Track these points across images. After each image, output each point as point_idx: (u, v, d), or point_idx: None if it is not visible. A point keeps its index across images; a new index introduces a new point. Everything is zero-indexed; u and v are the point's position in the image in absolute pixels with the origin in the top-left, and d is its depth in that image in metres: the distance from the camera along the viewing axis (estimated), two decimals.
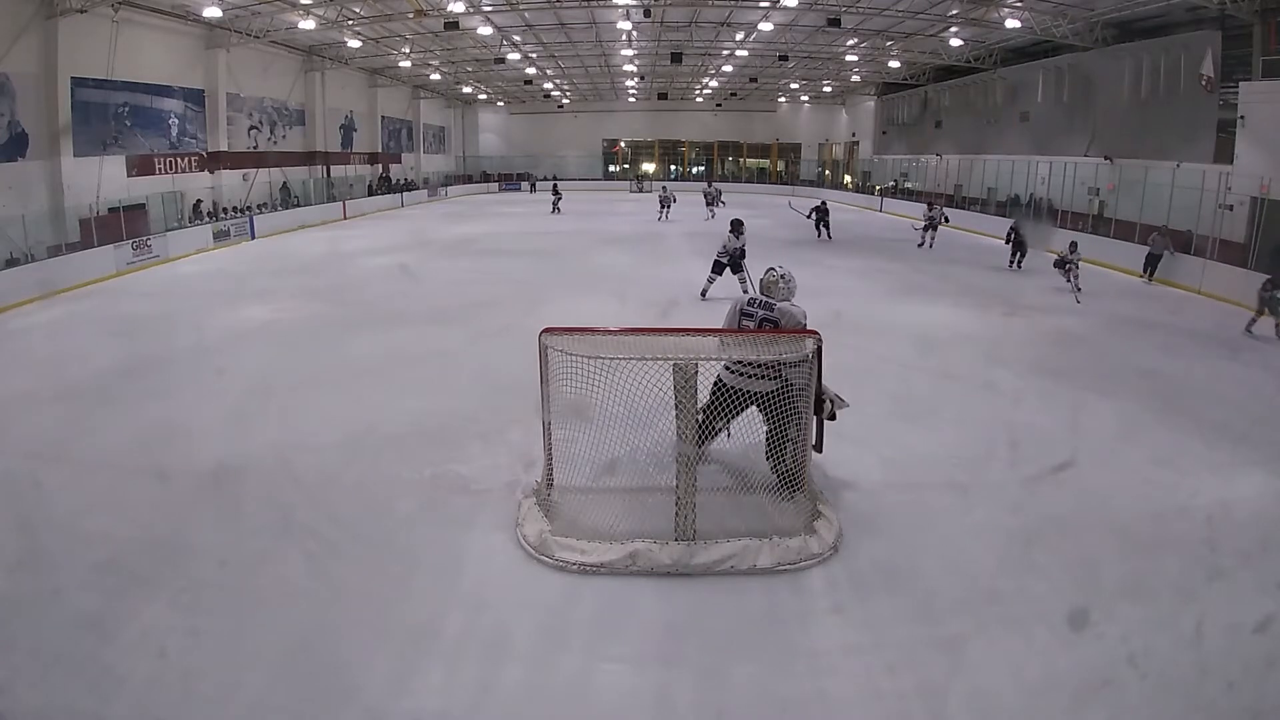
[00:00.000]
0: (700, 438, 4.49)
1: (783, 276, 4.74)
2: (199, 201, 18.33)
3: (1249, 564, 4.02)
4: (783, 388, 4.28)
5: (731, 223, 10.59)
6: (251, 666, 3.19)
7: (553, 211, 24.61)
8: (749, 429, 4.61)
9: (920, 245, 17.01)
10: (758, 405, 4.38)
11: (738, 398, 4.39)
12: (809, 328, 4.57)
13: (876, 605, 3.67)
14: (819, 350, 4.20)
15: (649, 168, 39.26)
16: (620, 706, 3.05)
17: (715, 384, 4.49)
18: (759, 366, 4.35)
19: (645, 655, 3.32)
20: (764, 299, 4.75)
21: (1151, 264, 13.06)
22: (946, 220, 17.61)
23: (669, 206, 22.90)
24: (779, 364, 4.30)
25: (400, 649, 3.31)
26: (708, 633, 3.47)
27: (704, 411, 4.43)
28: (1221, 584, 3.84)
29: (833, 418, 4.54)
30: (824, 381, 4.46)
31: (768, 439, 4.44)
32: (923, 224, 17.40)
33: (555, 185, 27.05)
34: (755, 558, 3.92)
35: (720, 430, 4.66)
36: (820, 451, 4.55)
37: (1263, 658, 3.29)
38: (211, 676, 3.14)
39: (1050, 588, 3.78)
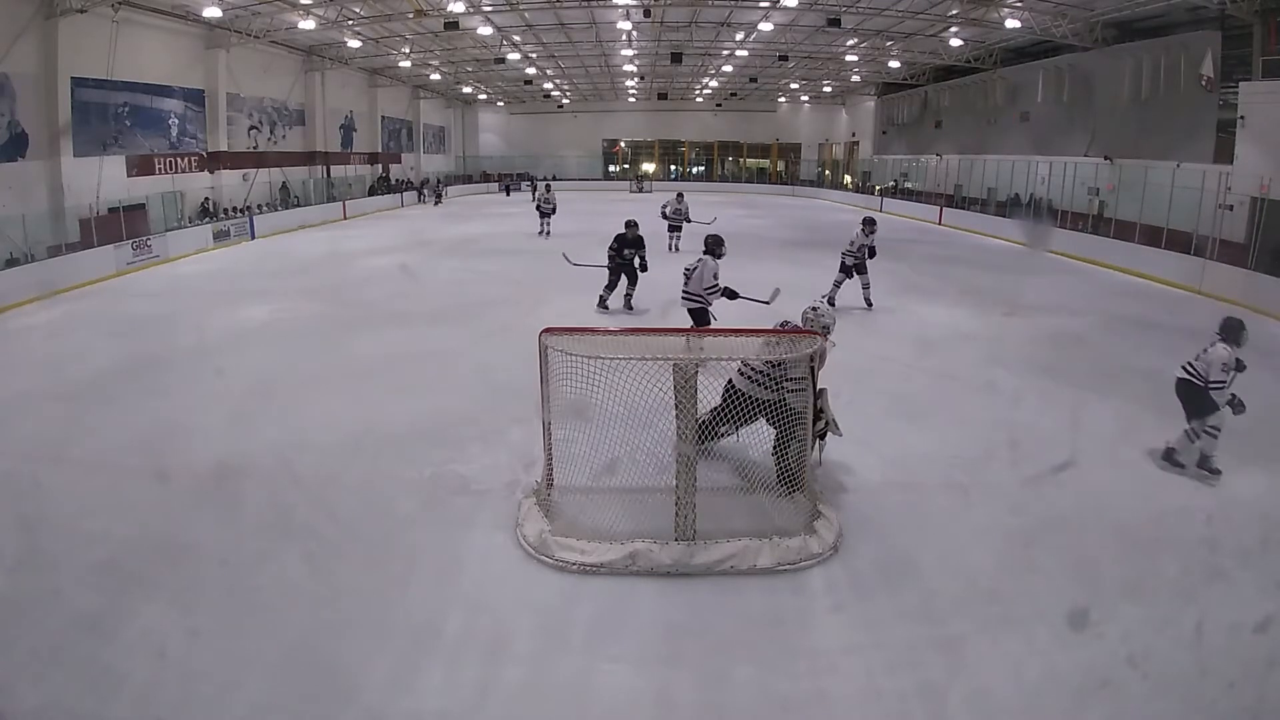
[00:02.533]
0: (705, 435, 4.54)
1: (814, 309, 4.94)
2: (206, 199, 18.38)
3: (1249, 564, 4.02)
4: (780, 402, 4.32)
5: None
6: (251, 666, 3.20)
7: (435, 204, 28.73)
8: (752, 427, 4.63)
9: (829, 302, 9.56)
10: (764, 414, 4.44)
11: (746, 404, 4.44)
12: (810, 329, 4.62)
13: (876, 605, 3.67)
14: (818, 355, 4.22)
15: (649, 168, 39.24)
16: (620, 706, 3.05)
17: (727, 386, 4.57)
18: (764, 375, 4.44)
19: (645, 655, 3.32)
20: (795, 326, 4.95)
21: None
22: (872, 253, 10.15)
23: (549, 216, 17.81)
24: (781, 379, 4.35)
25: (400, 649, 3.31)
26: (708, 633, 3.47)
27: (713, 413, 4.52)
28: (1221, 584, 3.85)
29: (823, 436, 4.59)
30: (828, 399, 4.51)
31: (775, 439, 4.52)
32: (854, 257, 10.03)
33: (432, 182, 30.59)
34: (755, 558, 3.92)
35: (725, 434, 4.72)
36: (820, 464, 4.60)
37: (1263, 658, 3.29)
38: (211, 676, 3.15)
39: (1050, 588, 3.78)
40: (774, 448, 4.53)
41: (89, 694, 3.03)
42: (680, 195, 15.33)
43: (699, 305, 7.18)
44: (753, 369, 4.49)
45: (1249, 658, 3.29)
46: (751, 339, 4.45)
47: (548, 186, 19.82)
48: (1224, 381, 5.02)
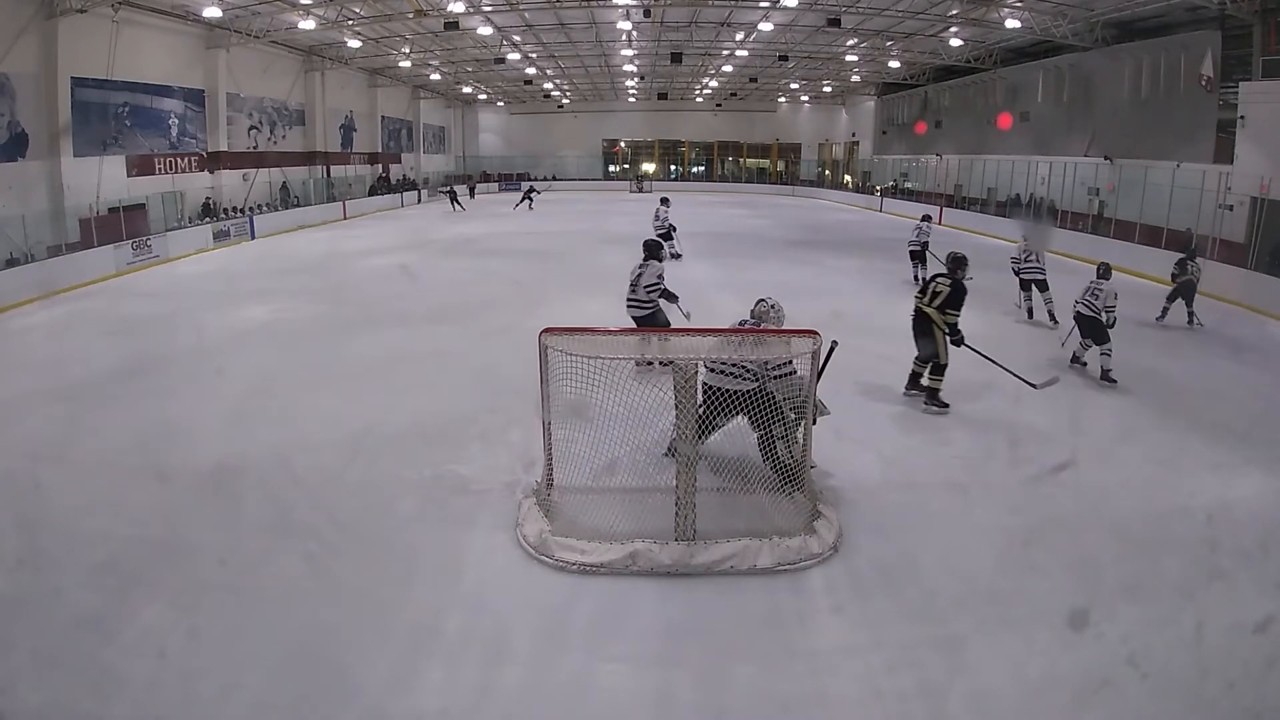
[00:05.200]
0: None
1: (773, 307, 4.94)
2: (208, 199, 18.45)
3: (1249, 564, 4.03)
4: (760, 390, 4.30)
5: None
6: (251, 666, 3.19)
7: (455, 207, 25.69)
8: (748, 427, 4.61)
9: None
10: (743, 409, 4.39)
11: (722, 399, 4.39)
12: (809, 328, 4.60)
13: (876, 605, 3.67)
14: (817, 354, 4.22)
15: (649, 168, 39.24)
16: (620, 706, 3.05)
17: (702, 388, 4.47)
18: (737, 366, 4.41)
19: (645, 655, 3.32)
20: (752, 322, 4.94)
21: None
22: None
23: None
24: (757, 369, 4.35)
25: (400, 649, 3.31)
26: (708, 633, 3.47)
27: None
28: (1221, 584, 3.85)
29: (814, 421, 4.57)
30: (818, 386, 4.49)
31: (759, 441, 4.49)
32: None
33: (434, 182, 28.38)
34: (755, 558, 3.92)
35: (709, 434, 4.66)
36: (814, 466, 4.59)
37: (1263, 658, 3.29)
38: (211, 676, 3.15)
39: (1050, 588, 3.78)
40: (761, 451, 4.48)
41: (89, 694, 3.03)
42: (927, 219, 12.74)
43: (647, 312, 6.81)
44: (720, 362, 4.41)
45: (1249, 658, 3.29)
46: (743, 340, 4.43)
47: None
48: (1115, 307, 6.97)
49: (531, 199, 26.20)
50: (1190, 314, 9.46)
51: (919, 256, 12.17)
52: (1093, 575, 3.91)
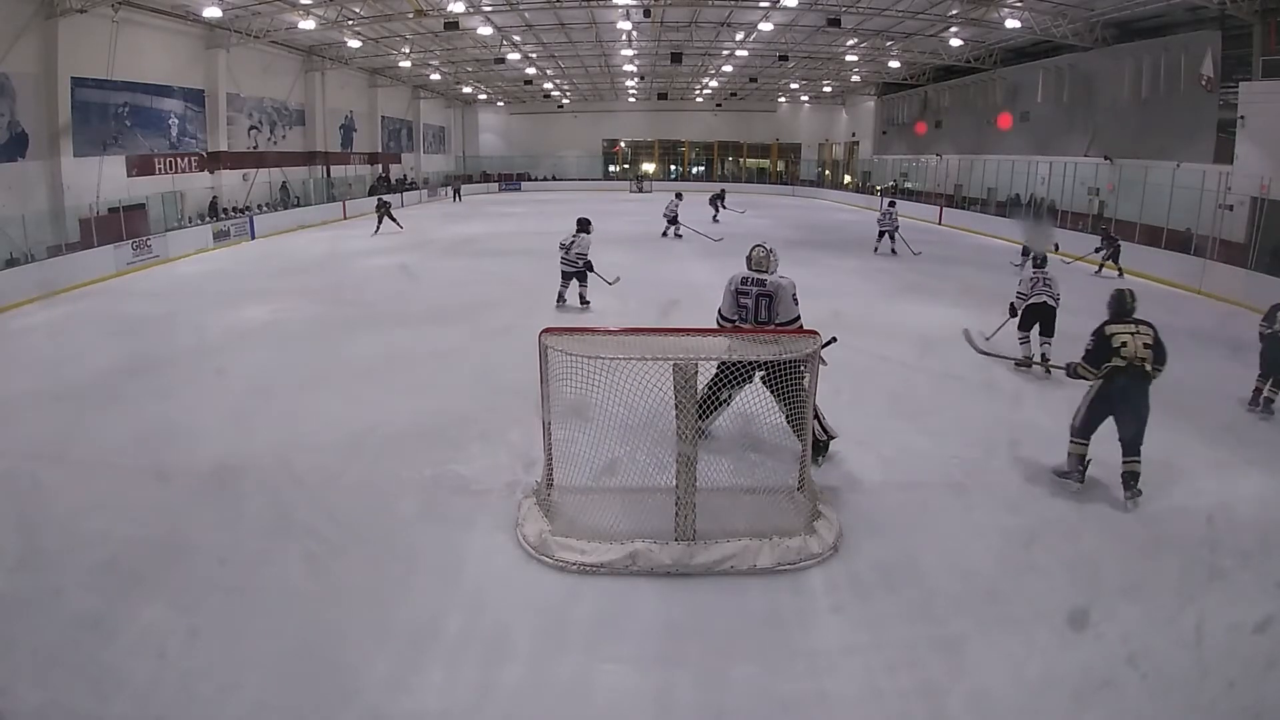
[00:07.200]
0: (703, 411, 4.47)
1: (770, 251, 5.06)
2: (214, 199, 18.53)
3: (1249, 564, 4.02)
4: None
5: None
6: (251, 666, 3.19)
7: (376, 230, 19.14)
8: (745, 420, 4.59)
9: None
10: (761, 374, 4.36)
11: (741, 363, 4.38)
12: (807, 328, 4.61)
13: (876, 605, 3.67)
14: (817, 353, 4.21)
15: (649, 168, 39.24)
16: (620, 706, 3.05)
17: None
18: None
19: (645, 655, 3.32)
20: (755, 274, 4.98)
21: None
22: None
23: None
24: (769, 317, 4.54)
25: (400, 649, 3.31)
26: (708, 633, 3.47)
27: (710, 384, 4.47)
28: (1221, 584, 3.85)
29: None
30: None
31: (789, 418, 4.44)
32: None
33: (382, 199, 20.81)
34: (755, 558, 3.92)
35: (726, 401, 4.65)
36: (818, 462, 4.58)
37: (1263, 658, 3.29)
38: (211, 676, 3.14)
39: (1050, 588, 3.78)
40: (793, 422, 4.42)
41: (89, 694, 3.03)
42: (893, 203, 17.02)
43: (576, 269, 9.69)
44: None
45: (1249, 658, 3.29)
46: (744, 340, 4.42)
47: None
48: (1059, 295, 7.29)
49: (721, 205, 21.66)
50: (1119, 270, 12.93)
51: (888, 234, 15.33)
52: (1093, 575, 3.91)
